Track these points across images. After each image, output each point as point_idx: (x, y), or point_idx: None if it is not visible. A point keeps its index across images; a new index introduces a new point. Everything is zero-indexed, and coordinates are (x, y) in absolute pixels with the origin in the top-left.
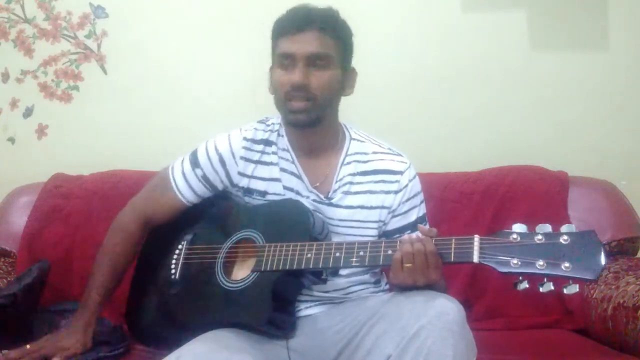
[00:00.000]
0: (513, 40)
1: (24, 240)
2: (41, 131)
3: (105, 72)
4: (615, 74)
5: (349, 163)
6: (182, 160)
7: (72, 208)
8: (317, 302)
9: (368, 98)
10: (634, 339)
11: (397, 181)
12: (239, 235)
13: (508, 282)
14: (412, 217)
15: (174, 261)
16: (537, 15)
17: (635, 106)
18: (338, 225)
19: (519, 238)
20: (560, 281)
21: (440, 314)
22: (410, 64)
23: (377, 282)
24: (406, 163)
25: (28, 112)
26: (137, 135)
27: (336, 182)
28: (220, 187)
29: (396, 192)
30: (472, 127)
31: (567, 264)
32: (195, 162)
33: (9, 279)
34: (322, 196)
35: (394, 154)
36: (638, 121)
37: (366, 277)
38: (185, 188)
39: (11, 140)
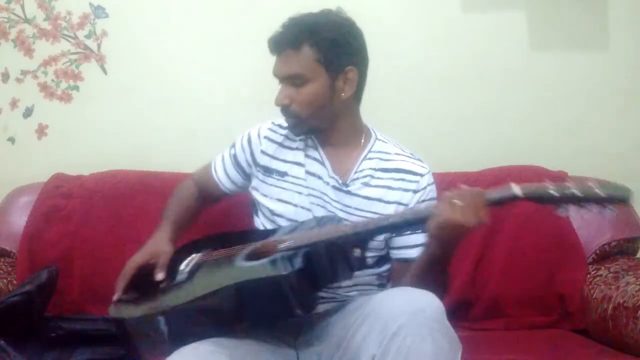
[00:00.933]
0: (513, 40)
1: (24, 240)
2: (41, 131)
3: (105, 72)
4: (615, 74)
5: (371, 159)
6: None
7: (72, 208)
8: (323, 301)
9: (368, 98)
10: (634, 339)
11: (416, 182)
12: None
13: (508, 282)
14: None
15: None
16: (537, 15)
17: (635, 106)
18: (352, 214)
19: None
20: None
21: (416, 312)
22: (410, 63)
23: (381, 286)
24: (426, 168)
25: (28, 112)
26: (137, 135)
27: (356, 172)
28: (246, 168)
29: (415, 192)
30: (472, 127)
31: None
32: (232, 144)
33: (8, 278)
34: (340, 184)
35: (416, 159)
36: (638, 121)
37: (372, 278)
38: (220, 167)
39: (11, 140)
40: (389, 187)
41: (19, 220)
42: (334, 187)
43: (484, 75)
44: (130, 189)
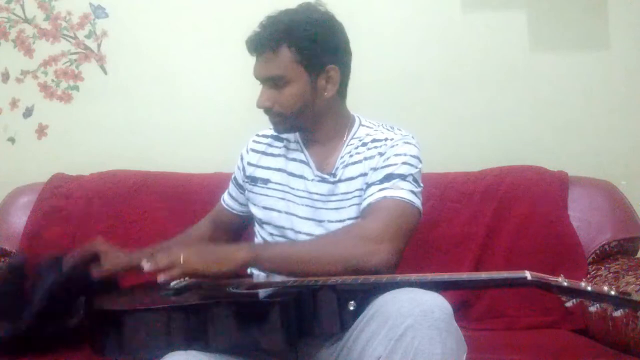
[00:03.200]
0: (513, 40)
1: (24, 240)
2: (41, 131)
3: (105, 72)
4: (615, 74)
5: (351, 143)
6: None
7: (72, 208)
8: None
9: (368, 98)
10: (634, 339)
11: (386, 144)
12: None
13: None
14: (383, 173)
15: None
16: (537, 15)
17: (635, 106)
18: (342, 200)
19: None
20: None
21: (425, 313)
22: (410, 63)
23: None
24: (401, 134)
25: (28, 112)
26: (137, 135)
27: (339, 159)
28: (243, 185)
29: (381, 154)
30: (472, 127)
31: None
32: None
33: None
34: (327, 176)
35: (394, 130)
36: (638, 121)
37: None
38: (226, 194)
39: (11, 140)
40: (366, 158)
41: (19, 220)
42: (320, 182)
43: (484, 75)
44: (130, 189)
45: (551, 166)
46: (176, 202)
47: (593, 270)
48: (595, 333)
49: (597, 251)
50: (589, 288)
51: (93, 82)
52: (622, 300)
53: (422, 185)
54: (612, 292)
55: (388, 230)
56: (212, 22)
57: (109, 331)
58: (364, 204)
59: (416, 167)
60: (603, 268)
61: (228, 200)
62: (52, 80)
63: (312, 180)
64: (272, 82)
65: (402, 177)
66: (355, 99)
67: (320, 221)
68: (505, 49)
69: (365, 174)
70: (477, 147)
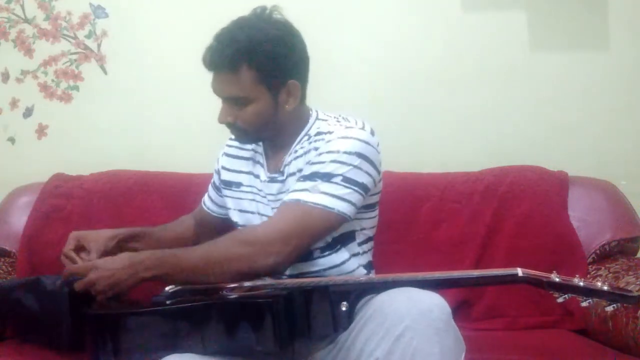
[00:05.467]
0: (513, 40)
1: (24, 240)
2: (41, 131)
3: (105, 72)
4: (615, 74)
5: (303, 139)
6: None
7: (72, 208)
8: None
9: (367, 98)
10: (634, 339)
11: (323, 138)
12: None
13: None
14: (310, 169)
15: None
16: (537, 15)
17: (636, 106)
18: (287, 193)
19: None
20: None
21: (424, 312)
22: (410, 63)
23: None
24: (346, 126)
25: (28, 112)
26: (137, 135)
27: (288, 156)
28: (218, 185)
29: (316, 149)
30: (472, 127)
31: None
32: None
33: (8, 279)
34: (276, 175)
35: (344, 121)
36: (638, 121)
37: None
38: (206, 196)
39: (11, 140)
40: (305, 152)
41: (19, 220)
42: (269, 182)
43: (484, 75)
44: (130, 189)
45: (551, 166)
46: (176, 202)
47: (593, 270)
48: (595, 333)
49: (597, 251)
50: (581, 283)
51: (93, 82)
52: (613, 295)
53: (362, 182)
54: (605, 287)
55: (280, 233)
56: (212, 22)
57: (102, 335)
58: (282, 200)
59: (349, 165)
60: (603, 268)
61: (208, 203)
62: (52, 80)
63: (264, 181)
64: (233, 101)
65: (328, 177)
66: (355, 99)
67: None
68: (505, 49)
69: (302, 169)
70: (477, 147)
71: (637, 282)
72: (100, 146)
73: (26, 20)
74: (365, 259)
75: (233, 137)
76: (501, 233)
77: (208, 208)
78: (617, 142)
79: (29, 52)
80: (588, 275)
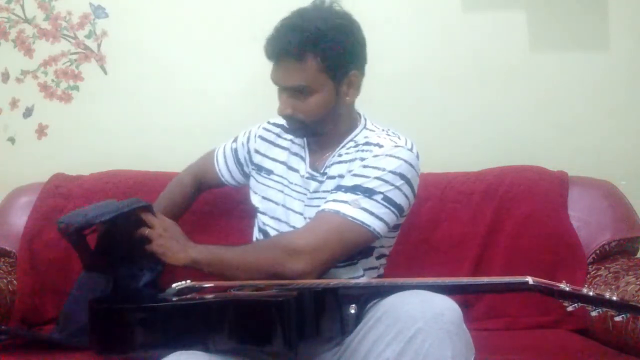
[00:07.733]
0: (513, 40)
1: (24, 240)
2: (41, 131)
3: (105, 72)
4: (615, 74)
5: (349, 145)
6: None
7: (72, 208)
8: None
9: (367, 98)
10: (634, 339)
11: (370, 150)
12: None
13: None
14: (353, 181)
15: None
16: (537, 15)
17: (635, 106)
18: (322, 198)
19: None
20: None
21: (436, 316)
22: (410, 63)
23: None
24: (395, 144)
25: (28, 112)
26: (137, 135)
27: (331, 158)
28: (244, 166)
29: (362, 159)
30: (472, 127)
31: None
32: (234, 138)
33: (8, 279)
34: (316, 174)
35: (393, 136)
36: (638, 121)
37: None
38: (222, 158)
39: (11, 140)
40: (350, 160)
41: (19, 220)
42: (308, 178)
43: (484, 75)
44: (130, 189)
45: (551, 166)
46: None
47: (593, 270)
48: (595, 333)
49: (597, 251)
50: (591, 293)
51: (93, 82)
52: (624, 306)
53: (400, 203)
54: (614, 298)
55: (314, 243)
56: (212, 22)
57: (110, 330)
58: (320, 207)
59: (392, 185)
60: (603, 268)
61: (223, 168)
62: (52, 80)
63: (303, 176)
64: (295, 90)
65: (369, 193)
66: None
67: (306, 218)
68: (505, 49)
69: (342, 176)
70: (477, 147)
71: (637, 282)
72: (100, 146)
73: (26, 20)
74: (376, 273)
75: (289, 129)
76: (501, 233)
77: (220, 171)
78: (617, 142)
79: (29, 52)
80: (588, 275)
